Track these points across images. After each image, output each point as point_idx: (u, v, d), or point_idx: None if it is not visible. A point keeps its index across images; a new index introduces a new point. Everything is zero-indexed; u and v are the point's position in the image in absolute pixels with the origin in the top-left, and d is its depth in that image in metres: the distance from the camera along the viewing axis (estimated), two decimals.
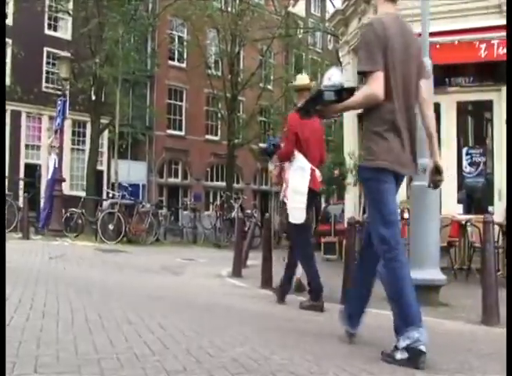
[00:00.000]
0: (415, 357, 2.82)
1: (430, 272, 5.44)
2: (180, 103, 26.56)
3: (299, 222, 4.92)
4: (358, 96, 3.06)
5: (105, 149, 23.35)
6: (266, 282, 6.55)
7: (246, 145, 23.69)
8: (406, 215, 7.30)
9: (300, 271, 5.65)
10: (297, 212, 4.91)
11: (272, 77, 27.14)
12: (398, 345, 2.89)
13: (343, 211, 11.32)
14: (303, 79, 5.64)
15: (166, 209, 19.52)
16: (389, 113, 3.03)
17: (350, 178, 10.24)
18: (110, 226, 12.78)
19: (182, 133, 26.44)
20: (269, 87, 26.61)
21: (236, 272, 7.12)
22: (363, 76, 3.06)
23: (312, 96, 3.33)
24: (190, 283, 6.77)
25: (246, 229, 8.83)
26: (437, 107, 6.91)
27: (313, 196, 5.12)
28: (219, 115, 24.89)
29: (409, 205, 6.62)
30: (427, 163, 5.55)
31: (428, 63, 5.89)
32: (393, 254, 2.91)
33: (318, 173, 5.21)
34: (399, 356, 2.87)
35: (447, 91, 9.14)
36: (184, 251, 12.42)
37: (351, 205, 10.70)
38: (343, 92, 3.10)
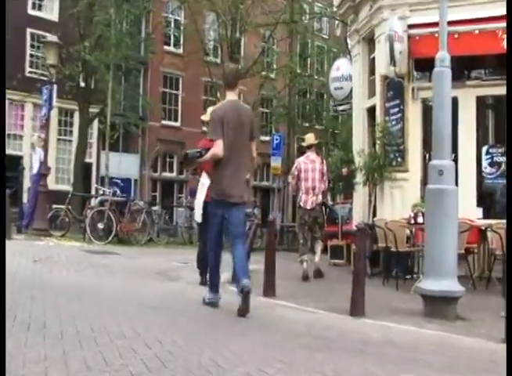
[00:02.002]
0: (244, 293, 4.82)
1: (447, 283, 5.40)
2: (176, 92, 26.51)
3: (200, 222, 6.63)
4: (208, 155, 5.20)
5: (94, 140, 23.30)
6: (269, 288, 6.44)
7: None
8: (420, 219, 7.20)
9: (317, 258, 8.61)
10: (197, 217, 6.58)
11: (275, 66, 27.08)
12: (237, 289, 5.03)
13: (350, 210, 11.26)
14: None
15: (160, 207, 19.50)
16: (224, 164, 5.14)
17: (359, 178, 10.12)
18: (100, 225, 12.74)
19: (178, 124, 26.39)
20: (272, 76, 26.55)
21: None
22: (212, 141, 5.24)
23: (184, 156, 5.53)
24: (187, 290, 6.71)
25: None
26: (454, 102, 6.85)
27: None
28: None
29: (423, 208, 6.55)
30: (445, 164, 5.64)
31: (446, 56, 5.87)
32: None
33: None
34: (238, 297, 4.89)
35: (466, 84, 9.07)
36: (179, 253, 12.38)
37: (360, 205, 10.60)
38: (202, 152, 5.28)
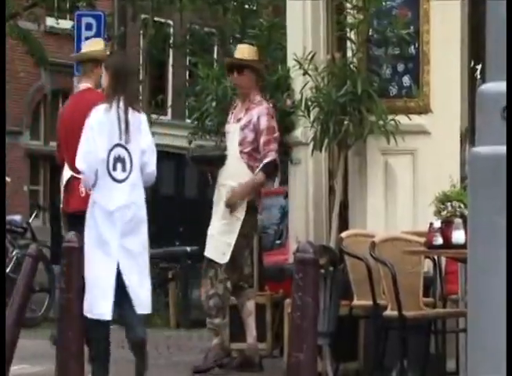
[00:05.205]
0: None
1: None
2: None
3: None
4: None
5: None
6: None
7: None
8: (459, 236, 4.01)
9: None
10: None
11: None
12: None
13: (283, 215, 6.72)
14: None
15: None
16: None
17: (301, 129, 5.58)
18: None
19: None
20: None
21: None
22: None
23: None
24: None
25: (9, 269, 6.62)
26: None
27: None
28: None
29: (466, 208, 3.73)
30: None
31: None
32: None
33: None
34: None
35: None
36: None
37: (305, 201, 5.80)
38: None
